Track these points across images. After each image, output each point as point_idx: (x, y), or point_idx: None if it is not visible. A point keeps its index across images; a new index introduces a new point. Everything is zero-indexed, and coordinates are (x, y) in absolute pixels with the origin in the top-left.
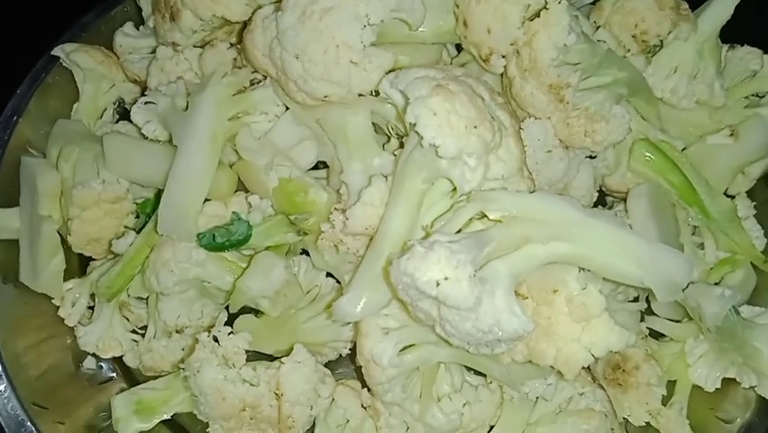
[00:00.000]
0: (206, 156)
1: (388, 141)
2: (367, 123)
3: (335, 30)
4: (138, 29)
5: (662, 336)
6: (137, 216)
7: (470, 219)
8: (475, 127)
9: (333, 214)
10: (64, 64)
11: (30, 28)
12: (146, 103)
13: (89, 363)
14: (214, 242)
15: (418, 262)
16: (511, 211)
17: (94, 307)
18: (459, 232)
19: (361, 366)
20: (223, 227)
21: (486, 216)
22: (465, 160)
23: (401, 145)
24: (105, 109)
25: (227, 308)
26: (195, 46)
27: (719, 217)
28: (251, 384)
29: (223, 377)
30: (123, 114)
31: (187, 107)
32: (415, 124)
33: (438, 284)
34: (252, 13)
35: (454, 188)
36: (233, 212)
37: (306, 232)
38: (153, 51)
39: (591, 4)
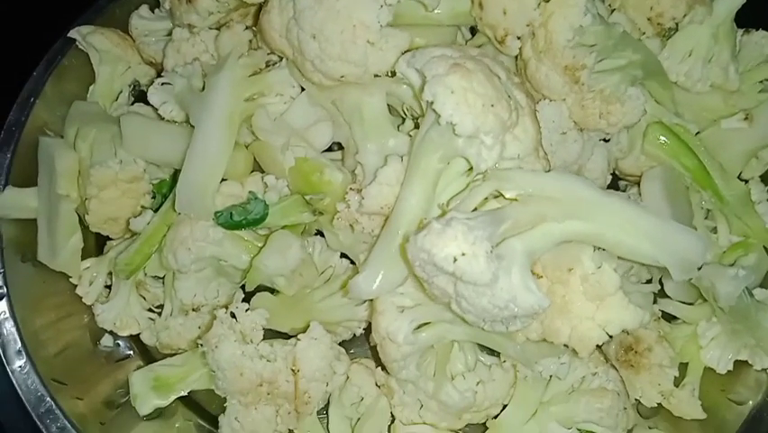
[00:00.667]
0: (223, 136)
1: (403, 122)
2: (382, 103)
3: (353, 9)
4: (153, 11)
5: (675, 318)
6: (153, 197)
7: (486, 198)
8: (492, 105)
9: (348, 193)
10: (80, 46)
11: (44, 11)
12: (163, 84)
13: (107, 341)
14: (231, 220)
15: (435, 239)
16: (527, 190)
17: (111, 285)
18: (475, 210)
19: (376, 344)
20: (239, 206)
21: (502, 194)
22: (482, 138)
23: (416, 126)
24: (121, 91)
25: (243, 287)
26: (210, 28)
27: (733, 201)
28: (268, 360)
29: (240, 352)
30: (139, 96)
31: (203, 88)
32: (432, 102)
33: (455, 260)
34: None
35: (470, 168)
36: (250, 191)
37: (321, 212)
38: (169, 34)
39: None
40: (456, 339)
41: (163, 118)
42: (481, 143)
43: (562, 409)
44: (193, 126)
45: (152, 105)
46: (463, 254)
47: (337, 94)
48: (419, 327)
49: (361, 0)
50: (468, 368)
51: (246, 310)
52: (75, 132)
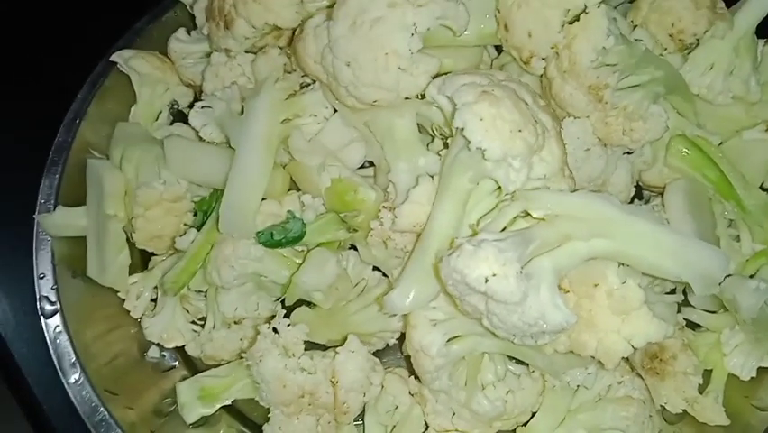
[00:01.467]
0: (263, 158)
1: (432, 141)
2: (413, 124)
3: (384, 39)
4: (189, 33)
5: (699, 326)
6: (194, 214)
7: (515, 217)
8: (519, 131)
9: (381, 212)
10: (122, 69)
11: (85, 32)
12: (203, 107)
13: (153, 352)
14: (272, 239)
15: (468, 260)
16: (554, 210)
17: (156, 299)
18: (504, 230)
19: (409, 356)
20: (279, 225)
21: (530, 214)
22: (510, 162)
23: (445, 145)
24: (161, 112)
25: (282, 301)
26: (246, 51)
27: (755, 211)
28: (309, 372)
29: (283, 366)
30: (177, 116)
31: (242, 111)
32: (462, 129)
33: (487, 280)
34: (302, 21)
35: (499, 187)
36: (289, 211)
37: (355, 228)
38: (206, 56)
39: (629, 2)
40: (486, 351)
41: (204, 140)
42: (509, 166)
43: (590, 417)
44: (233, 148)
45: (193, 128)
46: (494, 275)
47: (369, 115)
48: (451, 339)
49: (393, 29)
50: (498, 378)
51: (288, 326)
52: (120, 153)
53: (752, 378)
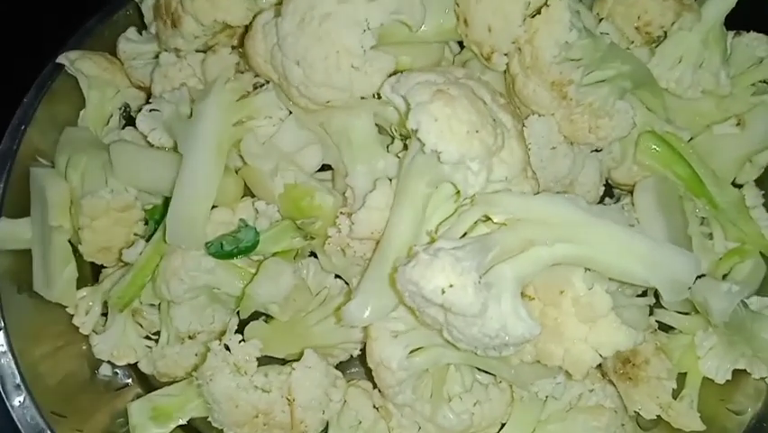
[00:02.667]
0: (212, 164)
1: (392, 142)
2: (370, 125)
3: (335, 35)
4: (141, 33)
5: (672, 328)
6: (146, 223)
7: (475, 223)
8: (477, 132)
9: (339, 218)
10: (69, 71)
11: (31, 33)
12: (151, 110)
13: (105, 370)
14: (222, 250)
15: (423, 270)
16: (515, 214)
17: (107, 313)
18: (464, 236)
19: (371, 369)
20: (230, 235)
21: (490, 219)
22: (468, 164)
23: (405, 147)
24: (111, 115)
25: (238, 313)
26: (197, 51)
27: (727, 208)
28: (264, 391)
29: (235, 385)
30: (129, 119)
31: (191, 114)
32: (417, 131)
33: (443, 292)
34: (253, 18)
35: (458, 192)
36: (240, 219)
37: (312, 236)
38: (157, 56)
39: None
40: (451, 362)
41: (153, 145)
42: (468, 169)
43: (560, 428)
44: (182, 154)
45: (141, 132)
46: (451, 286)
47: (324, 117)
48: (413, 351)
49: (343, 25)
50: (465, 388)
51: (240, 342)
52: (66, 160)
53: (727, 381)
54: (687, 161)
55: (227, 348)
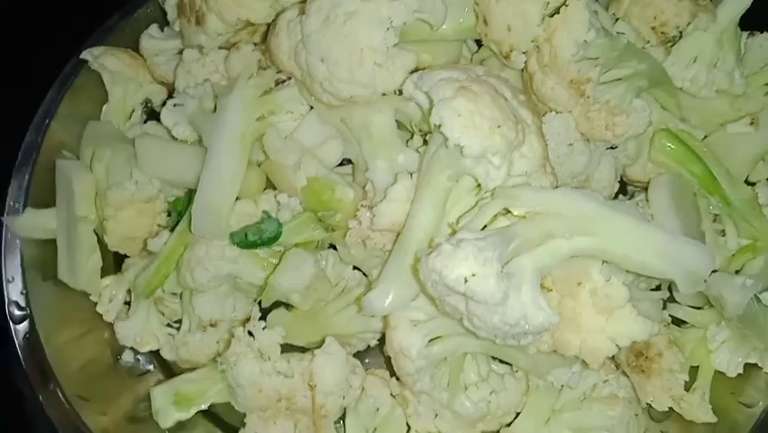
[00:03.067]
0: (236, 157)
1: (412, 137)
2: (391, 121)
3: (359, 33)
4: (162, 30)
5: (685, 322)
6: (168, 214)
7: (495, 215)
8: (498, 127)
9: (359, 211)
10: (92, 67)
11: (53, 30)
12: (175, 105)
13: (127, 356)
14: (246, 240)
15: (446, 260)
16: (535, 207)
17: (130, 302)
18: (484, 228)
19: (390, 357)
20: (254, 226)
21: (510, 212)
22: (489, 158)
23: (424, 142)
24: (134, 110)
25: (259, 302)
26: (220, 48)
27: (740, 205)
28: (286, 376)
29: (259, 370)
30: (151, 114)
31: (215, 109)
32: (440, 126)
33: (466, 281)
34: (276, 16)
35: (479, 185)
36: (264, 211)
37: (333, 228)
38: (179, 53)
39: None
40: (469, 351)
41: (176, 139)
42: (489, 163)
43: (575, 417)
44: (206, 147)
45: (165, 126)
46: (474, 275)
47: (346, 112)
48: (432, 340)
49: (367, 23)
50: (481, 378)
51: (263, 328)
52: (91, 153)
53: (738, 374)
54: (701, 158)
55: (251, 334)
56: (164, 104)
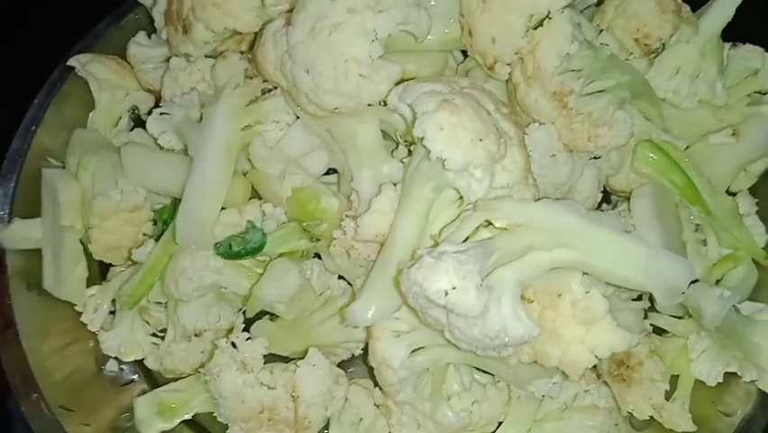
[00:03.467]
0: (222, 167)
1: (396, 147)
2: (376, 131)
3: (344, 45)
4: (150, 37)
5: (666, 331)
6: (154, 223)
7: (477, 227)
8: (480, 140)
9: (344, 221)
10: (79, 74)
11: (41, 36)
12: (161, 114)
13: (111, 366)
14: (230, 250)
15: (427, 273)
16: (516, 219)
17: (115, 311)
18: (466, 240)
19: (373, 367)
20: (238, 236)
21: (492, 224)
22: (471, 171)
23: (409, 152)
24: (120, 118)
25: (244, 312)
26: (207, 56)
27: (721, 215)
28: (269, 387)
29: (241, 381)
30: (138, 121)
31: (201, 118)
32: (422, 138)
33: (446, 294)
34: (263, 26)
35: (461, 197)
36: (248, 221)
37: (318, 238)
38: (166, 60)
39: (595, 5)
40: (451, 362)
41: (162, 147)
42: (471, 176)
43: (556, 427)
44: (192, 156)
45: (151, 135)
46: (454, 288)
47: (331, 122)
48: (415, 350)
49: (352, 35)
50: (464, 388)
51: (246, 339)
52: (77, 161)
53: (718, 383)
54: (683, 169)
55: (234, 345)
56: (150, 112)
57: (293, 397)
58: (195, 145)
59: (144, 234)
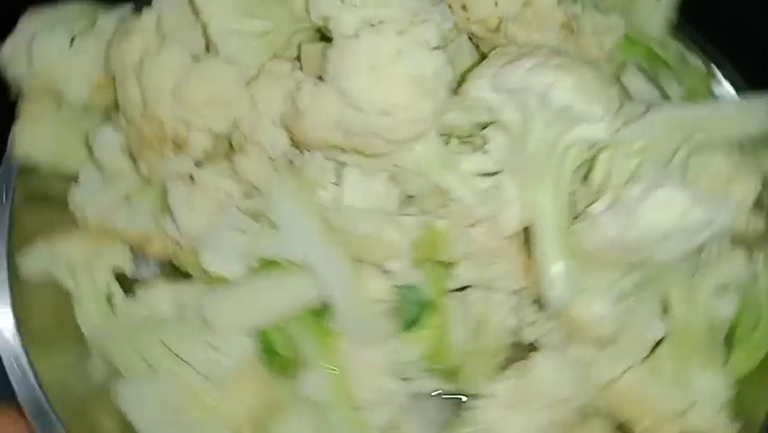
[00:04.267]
0: (335, 253)
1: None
2: (438, 140)
3: (413, 67)
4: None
5: None
6: None
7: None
8: (598, 87)
9: (470, 230)
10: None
11: None
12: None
13: None
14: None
15: (618, 218)
16: (646, 135)
17: None
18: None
19: None
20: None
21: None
22: (594, 113)
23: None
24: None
25: None
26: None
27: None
28: None
29: None
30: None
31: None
32: (562, 106)
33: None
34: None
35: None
36: (395, 285)
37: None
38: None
39: None
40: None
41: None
42: (596, 120)
43: None
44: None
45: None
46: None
47: (396, 156)
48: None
49: (417, 54)
50: None
51: None
52: None
53: None
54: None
55: None
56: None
57: None
58: (292, 252)
59: None
